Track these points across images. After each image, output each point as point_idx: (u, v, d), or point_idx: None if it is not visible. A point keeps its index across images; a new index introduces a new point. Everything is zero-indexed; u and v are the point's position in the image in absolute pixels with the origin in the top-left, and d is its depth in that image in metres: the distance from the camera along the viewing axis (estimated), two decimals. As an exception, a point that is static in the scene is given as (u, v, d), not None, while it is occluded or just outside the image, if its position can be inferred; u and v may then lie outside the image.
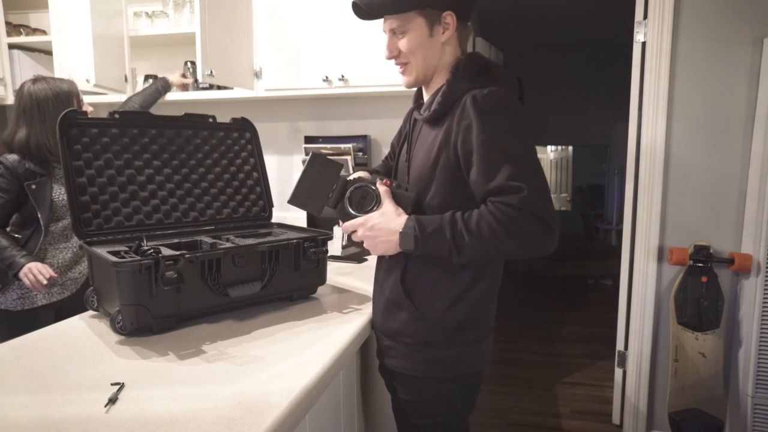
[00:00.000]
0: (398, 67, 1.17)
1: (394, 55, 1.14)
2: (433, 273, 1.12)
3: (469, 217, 1.01)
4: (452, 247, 1.01)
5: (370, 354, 1.37)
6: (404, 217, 1.08)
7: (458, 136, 1.04)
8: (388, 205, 1.11)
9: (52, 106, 1.77)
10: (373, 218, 1.10)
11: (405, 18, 1.09)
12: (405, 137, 1.26)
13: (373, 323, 1.26)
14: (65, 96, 1.81)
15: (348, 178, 1.17)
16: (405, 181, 1.18)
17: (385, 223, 1.08)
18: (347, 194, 1.14)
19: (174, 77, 2.48)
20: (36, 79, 1.82)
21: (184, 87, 2.57)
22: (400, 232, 1.06)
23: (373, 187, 1.13)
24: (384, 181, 1.13)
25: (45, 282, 1.73)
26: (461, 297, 1.12)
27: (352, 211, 1.13)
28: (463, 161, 1.04)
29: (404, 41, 1.11)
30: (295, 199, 1.17)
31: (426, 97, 1.20)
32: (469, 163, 1.03)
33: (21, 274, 1.72)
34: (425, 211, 1.11)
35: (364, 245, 1.14)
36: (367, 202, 1.12)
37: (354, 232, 1.14)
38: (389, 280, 1.18)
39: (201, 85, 2.60)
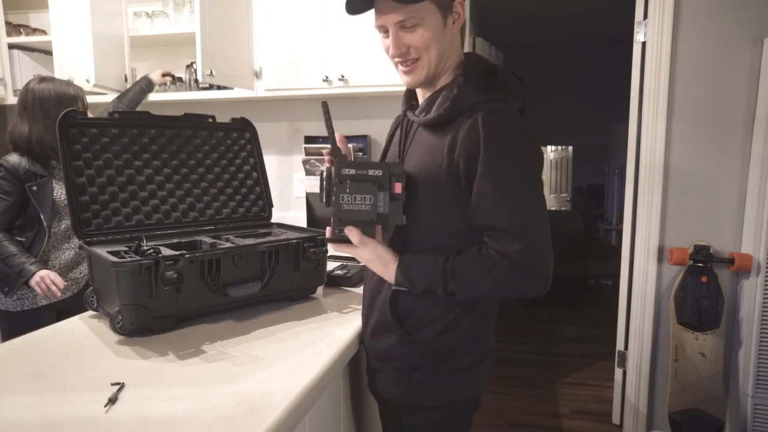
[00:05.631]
0: (402, 65, 1.03)
1: (403, 51, 1.01)
2: (426, 296, 1.03)
3: (463, 266, 0.96)
4: (443, 295, 0.99)
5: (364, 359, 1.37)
6: (394, 266, 1.02)
7: (462, 157, 0.96)
8: (368, 254, 1.02)
9: (54, 107, 1.77)
10: (365, 256, 1.03)
11: (418, 8, 0.96)
12: (396, 138, 1.17)
13: (362, 339, 1.19)
14: (69, 99, 1.82)
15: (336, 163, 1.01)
16: None
17: (381, 267, 1.04)
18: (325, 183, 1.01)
19: (156, 76, 2.48)
20: (43, 79, 1.82)
21: (165, 84, 2.59)
22: (393, 287, 1.04)
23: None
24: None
25: (59, 294, 1.74)
26: (455, 322, 1.04)
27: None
28: (464, 185, 0.97)
29: (418, 35, 0.98)
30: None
31: (420, 97, 1.10)
32: (470, 188, 0.97)
33: (33, 283, 1.71)
34: (408, 233, 1.05)
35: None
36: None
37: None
38: (379, 299, 1.10)
39: (201, 85, 2.60)
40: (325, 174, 1.01)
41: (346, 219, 1.00)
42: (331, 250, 1.13)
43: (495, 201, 0.94)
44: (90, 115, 1.78)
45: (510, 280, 0.94)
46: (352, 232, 1.00)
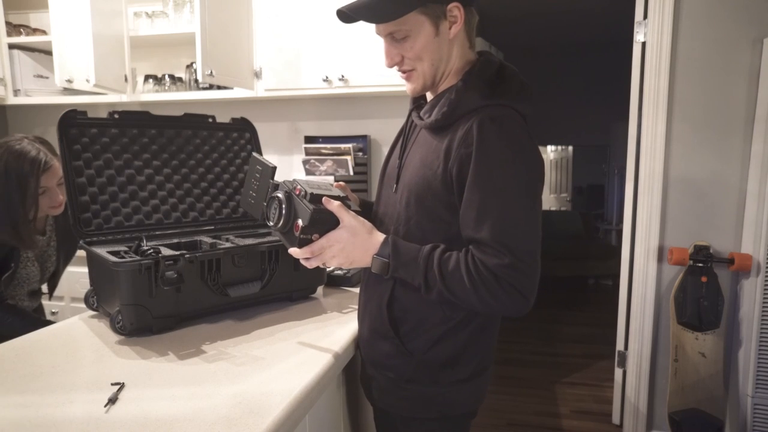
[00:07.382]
0: (400, 73, 1.03)
1: (396, 62, 1.00)
2: (423, 302, 1.00)
3: (447, 260, 0.92)
4: (422, 284, 0.94)
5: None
6: (379, 237, 0.98)
7: (455, 163, 0.93)
8: (351, 222, 0.98)
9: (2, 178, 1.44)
10: (341, 239, 0.97)
11: (404, 20, 0.94)
12: (401, 137, 1.14)
13: (358, 343, 1.16)
14: (24, 175, 1.44)
15: (278, 184, 1.03)
16: (392, 186, 1.07)
17: (360, 242, 0.98)
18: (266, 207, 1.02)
19: None
20: (21, 140, 1.47)
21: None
22: (375, 255, 0.97)
23: (297, 200, 0.97)
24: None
25: None
26: (451, 332, 1.01)
27: (270, 224, 1.01)
28: (457, 192, 0.94)
29: (407, 46, 0.97)
30: (242, 201, 1.15)
31: (429, 97, 1.07)
32: (462, 196, 0.93)
33: None
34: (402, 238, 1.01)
35: (333, 264, 1.01)
36: (285, 220, 0.99)
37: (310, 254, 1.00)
38: (373, 304, 1.07)
39: (201, 85, 2.60)
40: (282, 195, 0.99)
41: (319, 196, 0.98)
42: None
43: (481, 211, 0.90)
44: (61, 199, 1.52)
45: (487, 293, 0.89)
46: (330, 203, 0.98)
